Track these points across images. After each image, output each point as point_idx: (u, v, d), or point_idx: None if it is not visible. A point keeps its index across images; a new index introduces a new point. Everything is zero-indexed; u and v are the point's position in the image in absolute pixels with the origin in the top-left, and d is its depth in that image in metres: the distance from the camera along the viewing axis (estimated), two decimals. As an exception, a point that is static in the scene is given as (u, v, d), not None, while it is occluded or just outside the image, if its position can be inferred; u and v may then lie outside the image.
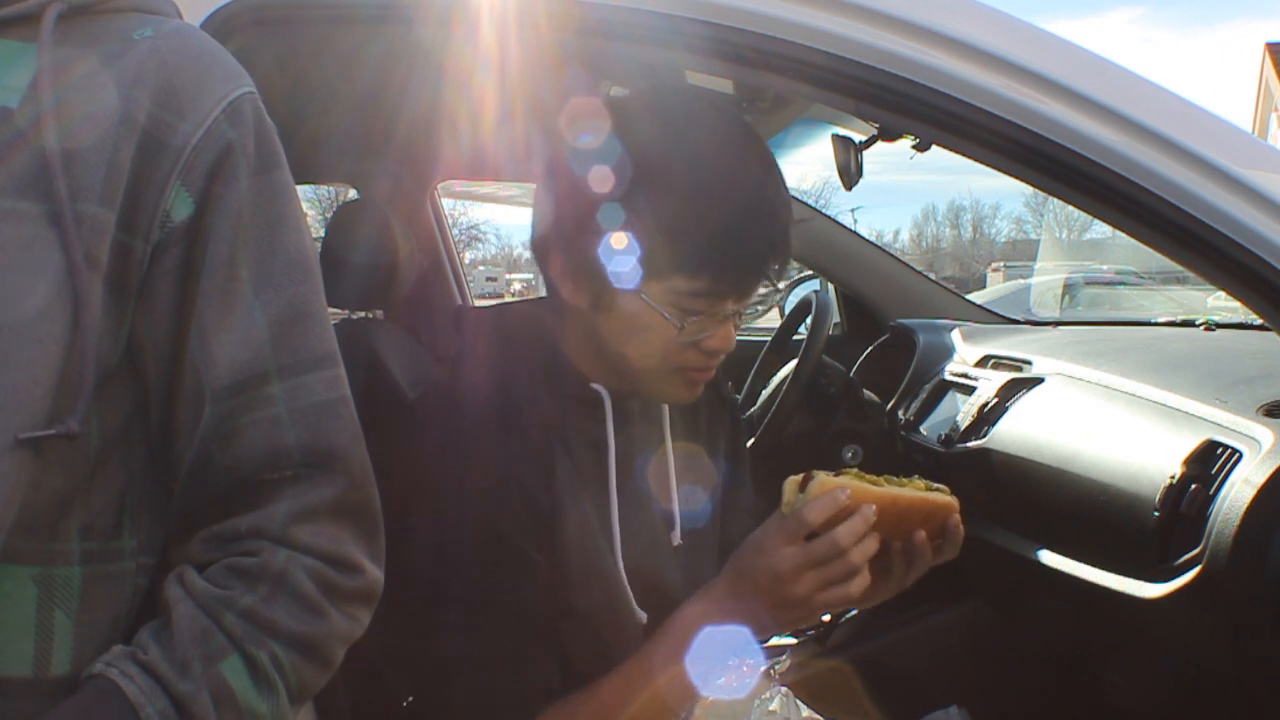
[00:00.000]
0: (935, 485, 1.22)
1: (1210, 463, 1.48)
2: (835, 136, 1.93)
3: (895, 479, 1.20)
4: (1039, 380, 2.11)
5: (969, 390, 2.36)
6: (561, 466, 1.23)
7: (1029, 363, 2.25)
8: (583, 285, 1.22)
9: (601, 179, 1.16)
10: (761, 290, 1.29)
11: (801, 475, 1.17)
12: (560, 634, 1.23)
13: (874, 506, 1.14)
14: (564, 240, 1.21)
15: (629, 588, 1.27)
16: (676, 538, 1.35)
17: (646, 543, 1.31)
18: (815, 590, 1.14)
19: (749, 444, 1.40)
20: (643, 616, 1.28)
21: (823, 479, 1.15)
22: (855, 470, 1.20)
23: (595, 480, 1.27)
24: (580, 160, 1.18)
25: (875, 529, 1.14)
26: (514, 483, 1.19)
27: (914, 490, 1.20)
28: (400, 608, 1.20)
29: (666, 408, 1.36)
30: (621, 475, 1.28)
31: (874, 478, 1.19)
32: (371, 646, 0.93)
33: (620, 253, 1.17)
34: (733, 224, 1.17)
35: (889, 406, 2.71)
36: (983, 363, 2.47)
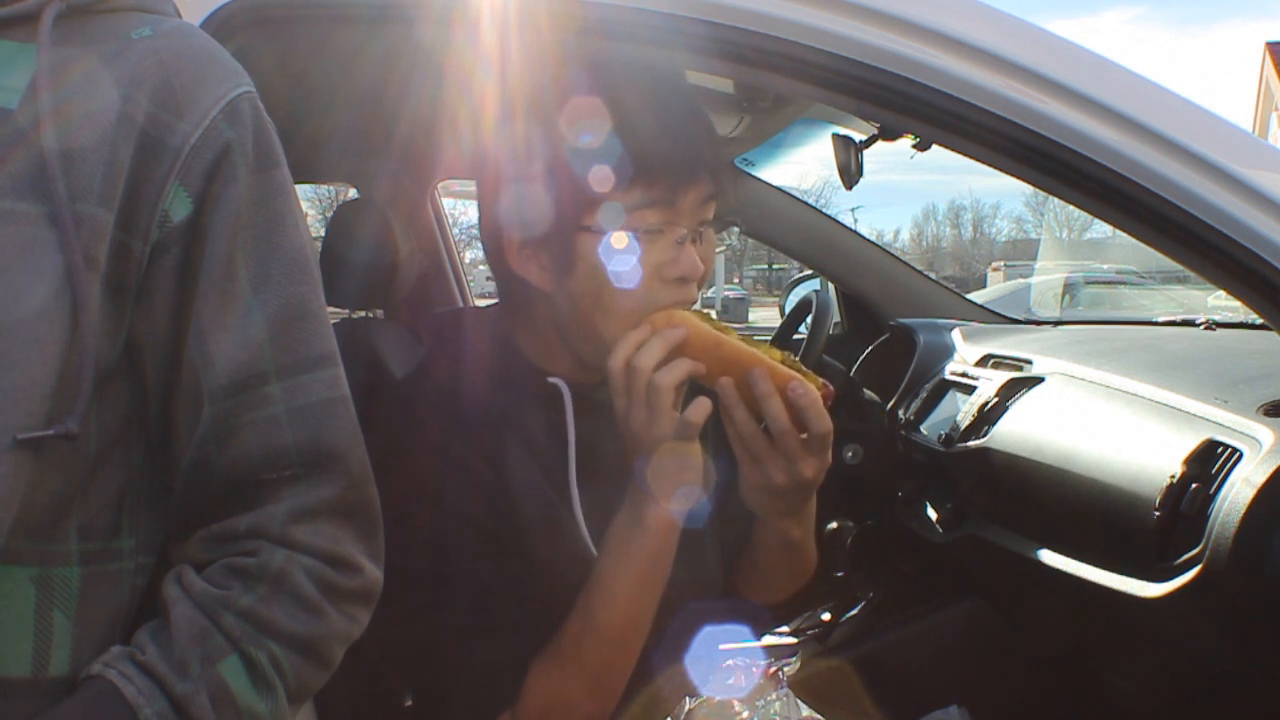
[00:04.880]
0: (804, 369, 1.24)
1: (1210, 462, 1.48)
2: (835, 136, 1.93)
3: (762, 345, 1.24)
4: (1039, 380, 2.11)
5: (969, 390, 2.36)
6: (513, 451, 1.26)
7: (1029, 362, 2.25)
8: (543, 257, 1.24)
9: (530, 129, 1.23)
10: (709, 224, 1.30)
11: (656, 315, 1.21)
12: (531, 596, 1.25)
13: (681, 330, 1.19)
14: (511, 213, 1.25)
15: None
16: None
17: None
18: (648, 423, 1.18)
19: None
20: None
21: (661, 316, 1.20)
22: (708, 318, 1.23)
23: (558, 468, 1.29)
24: (507, 135, 1.26)
25: (709, 372, 1.19)
26: (457, 462, 1.23)
27: (747, 344, 1.22)
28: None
29: None
30: (586, 464, 1.30)
31: (723, 325, 1.23)
32: (361, 641, 0.93)
33: (564, 185, 1.20)
34: (665, 123, 1.21)
35: (889, 406, 2.71)
36: (983, 362, 2.46)
